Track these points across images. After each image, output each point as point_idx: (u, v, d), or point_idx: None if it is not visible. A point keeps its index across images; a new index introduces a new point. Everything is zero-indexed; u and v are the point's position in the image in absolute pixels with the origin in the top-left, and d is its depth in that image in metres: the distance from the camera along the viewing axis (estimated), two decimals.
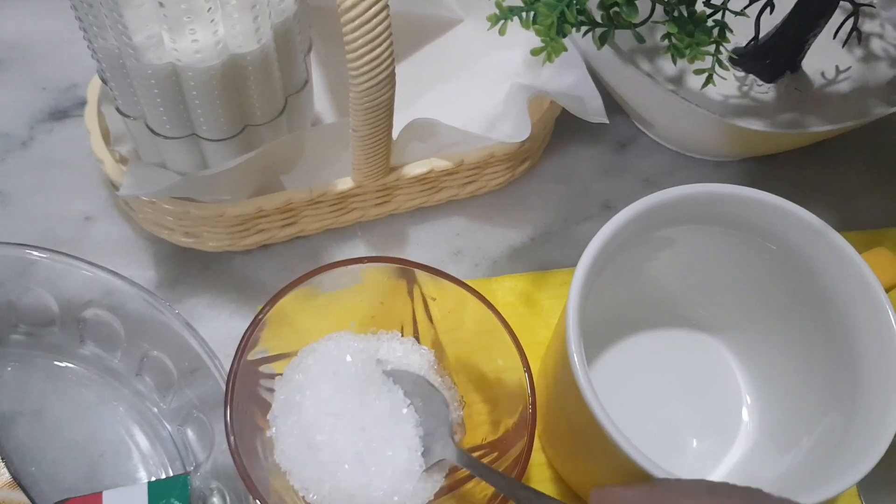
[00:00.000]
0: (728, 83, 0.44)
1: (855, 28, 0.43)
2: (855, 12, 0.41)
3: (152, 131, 0.38)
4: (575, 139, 0.50)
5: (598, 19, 0.35)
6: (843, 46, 0.45)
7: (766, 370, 0.41)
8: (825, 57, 0.46)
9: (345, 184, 0.42)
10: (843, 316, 0.35)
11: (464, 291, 0.37)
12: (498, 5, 0.33)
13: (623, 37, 0.45)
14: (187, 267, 0.44)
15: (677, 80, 0.44)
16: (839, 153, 0.51)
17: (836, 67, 0.46)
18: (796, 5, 0.40)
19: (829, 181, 0.50)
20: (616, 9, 0.32)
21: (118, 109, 0.39)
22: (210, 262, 0.44)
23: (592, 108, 0.42)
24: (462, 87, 0.48)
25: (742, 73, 0.44)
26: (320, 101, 0.48)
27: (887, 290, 0.36)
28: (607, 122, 0.42)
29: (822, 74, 0.45)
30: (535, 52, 0.32)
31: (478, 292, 0.36)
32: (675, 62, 0.35)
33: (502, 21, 0.32)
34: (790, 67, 0.45)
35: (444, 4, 0.50)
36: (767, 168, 0.50)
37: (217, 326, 0.42)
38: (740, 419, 0.41)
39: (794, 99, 0.44)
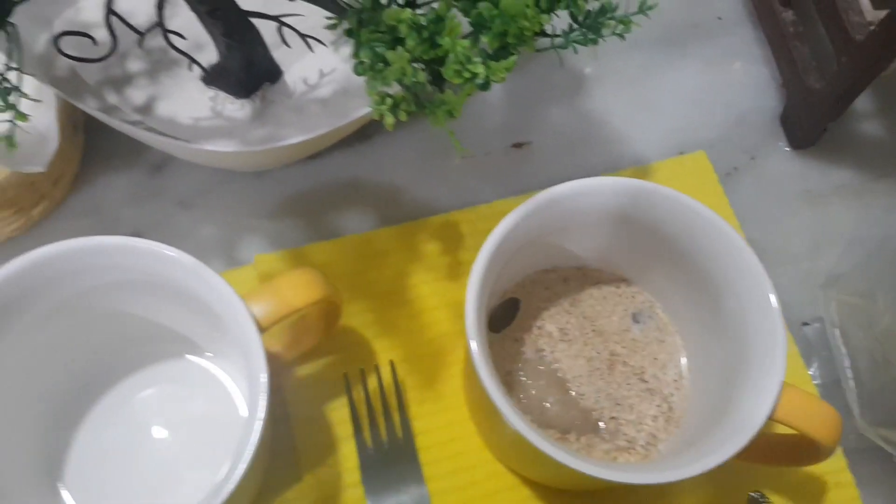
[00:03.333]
0: (200, 105, 0.43)
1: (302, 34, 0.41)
2: (280, 23, 0.40)
3: None
4: (108, 167, 0.49)
5: None
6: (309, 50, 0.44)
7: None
8: (316, 61, 0.45)
9: None
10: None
11: None
12: None
13: (91, 68, 0.44)
14: None
15: (146, 109, 0.43)
16: (387, 149, 0.50)
17: (321, 71, 0.45)
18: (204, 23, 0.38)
19: (378, 176, 0.50)
20: None
21: None
22: None
23: (44, 155, 0.41)
24: None
25: (213, 93, 0.43)
26: None
27: (289, 314, 0.36)
28: (42, 170, 0.41)
29: (305, 81, 0.44)
30: None
31: None
32: None
33: None
34: (269, 79, 0.43)
35: None
36: (314, 170, 0.49)
37: None
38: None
39: (270, 112, 0.43)
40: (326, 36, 0.45)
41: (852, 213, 0.50)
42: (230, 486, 0.31)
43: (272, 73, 0.43)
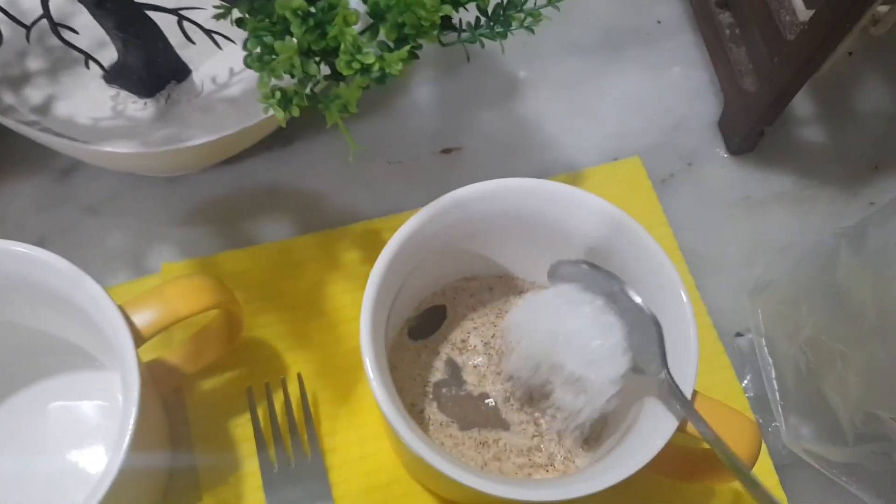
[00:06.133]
0: (101, 104, 0.41)
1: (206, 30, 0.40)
2: (179, 16, 0.38)
3: None
4: (13, 171, 0.46)
5: None
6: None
7: None
8: (226, 59, 0.43)
9: None
10: None
11: None
12: None
13: None
14: None
15: (44, 109, 0.40)
16: (309, 154, 0.48)
17: (231, 70, 0.43)
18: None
19: (298, 182, 0.48)
20: None
21: None
22: None
23: None
24: None
25: (115, 92, 0.41)
26: None
27: (175, 321, 0.34)
28: None
29: (214, 80, 0.42)
30: None
31: None
32: None
33: None
34: (175, 77, 0.41)
35: None
36: (231, 175, 0.47)
37: None
38: None
39: (176, 112, 0.41)
40: (239, 33, 0.43)
41: (792, 220, 0.49)
42: None
43: (179, 72, 0.41)
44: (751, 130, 0.48)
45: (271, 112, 0.40)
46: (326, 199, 0.47)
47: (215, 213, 0.46)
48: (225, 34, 0.41)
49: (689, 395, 0.32)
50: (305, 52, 0.32)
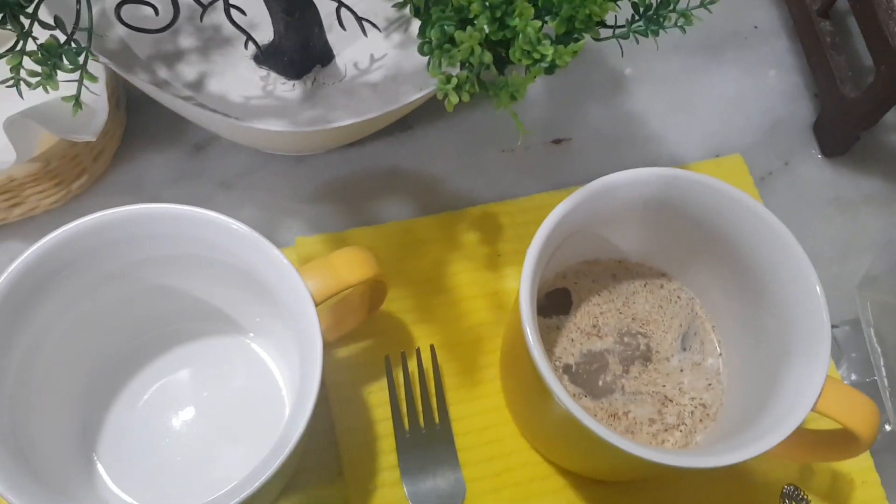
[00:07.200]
0: (251, 84, 0.43)
1: (358, 17, 0.42)
2: (339, 3, 0.40)
3: None
4: (149, 145, 0.49)
5: None
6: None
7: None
8: (367, 45, 0.45)
9: None
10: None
11: None
12: None
13: (142, 42, 0.44)
14: None
15: (196, 85, 0.43)
16: (427, 139, 0.51)
17: (371, 56, 0.45)
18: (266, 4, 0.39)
19: (417, 166, 0.50)
20: None
21: None
22: None
23: (94, 125, 0.41)
24: None
25: (265, 72, 0.43)
26: None
27: (342, 290, 0.36)
28: (92, 139, 0.41)
29: (356, 65, 0.45)
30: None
31: None
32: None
33: None
34: (321, 61, 0.44)
35: None
36: (354, 156, 0.50)
37: None
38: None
39: (321, 94, 0.43)
40: (379, 21, 0.46)
41: (881, 220, 0.51)
42: (279, 459, 0.31)
43: (325, 56, 0.43)
44: (848, 134, 0.51)
45: (411, 98, 0.42)
46: (443, 182, 0.50)
47: (340, 191, 0.49)
48: (373, 22, 0.43)
49: (822, 377, 0.34)
50: (480, 42, 0.34)
